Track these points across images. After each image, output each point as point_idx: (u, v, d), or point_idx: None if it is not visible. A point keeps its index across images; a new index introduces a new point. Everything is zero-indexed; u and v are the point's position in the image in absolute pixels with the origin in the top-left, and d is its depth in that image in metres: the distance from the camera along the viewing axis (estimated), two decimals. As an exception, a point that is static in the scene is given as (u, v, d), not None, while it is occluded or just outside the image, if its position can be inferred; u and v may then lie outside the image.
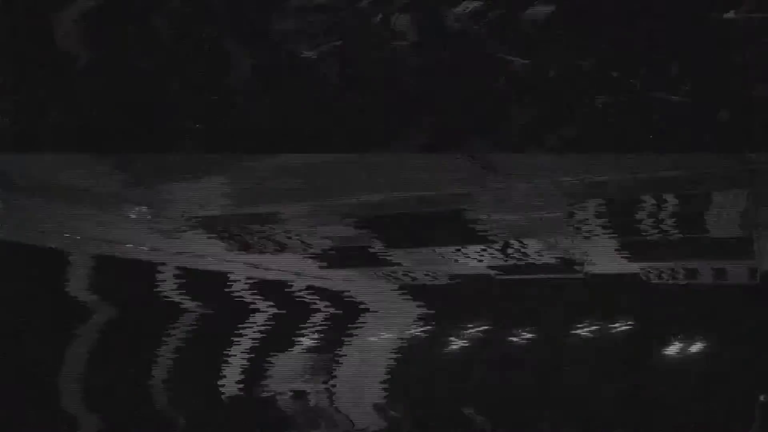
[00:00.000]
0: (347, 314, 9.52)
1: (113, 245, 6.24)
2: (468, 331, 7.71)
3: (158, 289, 6.75)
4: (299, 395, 8.14)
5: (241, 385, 7.52)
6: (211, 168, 5.42)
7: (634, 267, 6.10)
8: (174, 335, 6.90)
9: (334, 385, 8.87)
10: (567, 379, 8.01)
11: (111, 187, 5.90)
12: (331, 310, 9.19)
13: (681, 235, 4.33)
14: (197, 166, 5.48)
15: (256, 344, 7.80)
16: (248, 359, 7.69)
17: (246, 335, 7.73)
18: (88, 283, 6.02)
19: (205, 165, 5.29)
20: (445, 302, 8.50)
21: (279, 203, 5.31)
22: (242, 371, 7.57)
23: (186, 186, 6.41)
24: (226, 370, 7.43)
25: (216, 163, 5.24)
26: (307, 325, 8.36)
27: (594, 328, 7.37)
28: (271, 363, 7.92)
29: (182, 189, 6.47)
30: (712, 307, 6.96)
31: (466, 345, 7.76)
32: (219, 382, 7.36)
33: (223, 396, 7.27)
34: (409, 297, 9.22)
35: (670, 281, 6.42)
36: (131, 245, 6.40)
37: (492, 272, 6.67)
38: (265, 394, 7.61)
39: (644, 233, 4.36)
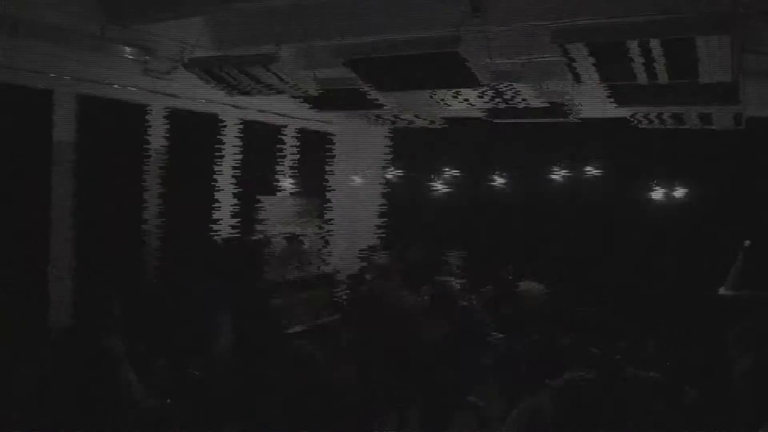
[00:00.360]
0: (335, 157, 9.82)
1: (101, 86, 6.32)
2: (450, 174, 7.99)
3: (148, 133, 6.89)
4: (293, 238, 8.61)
5: (233, 229, 7.91)
6: (199, 8, 5.42)
7: (623, 112, 6.28)
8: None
9: (329, 230, 9.38)
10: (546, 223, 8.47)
11: (96, 26, 5.91)
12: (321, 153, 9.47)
13: (670, 81, 4.43)
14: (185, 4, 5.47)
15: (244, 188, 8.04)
16: (238, 203, 8.04)
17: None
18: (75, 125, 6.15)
19: (193, 5, 5.28)
20: (434, 146, 8.78)
21: (269, 45, 5.37)
22: (233, 215, 7.92)
23: (175, 25, 6.41)
24: (217, 213, 7.77)
25: (204, 3, 5.23)
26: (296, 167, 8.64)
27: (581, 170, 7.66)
28: (263, 207, 8.28)
29: (173, 27, 6.47)
30: (697, 152, 7.27)
31: (449, 189, 8.05)
32: (211, 226, 7.71)
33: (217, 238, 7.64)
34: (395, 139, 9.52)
35: (658, 126, 6.63)
36: (120, 86, 6.49)
37: (482, 116, 6.85)
38: (258, 236, 7.98)
39: (633, 78, 4.47)
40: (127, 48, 6.20)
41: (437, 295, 6.18)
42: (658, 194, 6.01)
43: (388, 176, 8.40)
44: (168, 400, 5.30)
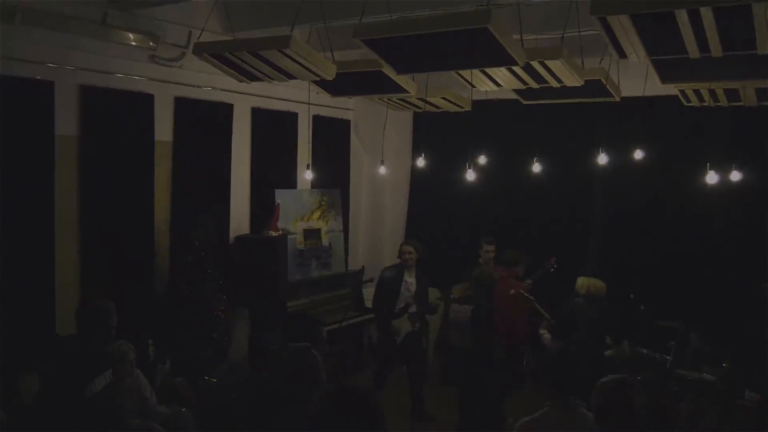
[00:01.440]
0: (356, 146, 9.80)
1: (104, 75, 6.36)
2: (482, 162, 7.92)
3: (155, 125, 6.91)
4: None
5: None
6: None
7: (670, 89, 6.17)
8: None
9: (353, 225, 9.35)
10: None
11: (98, 12, 5.95)
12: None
13: (724, 53, 4.34)
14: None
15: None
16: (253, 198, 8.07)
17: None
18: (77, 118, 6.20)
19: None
20: (463, 131, 8.70)
21: (283, 26, 5.36)
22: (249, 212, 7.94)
23: (180, 9, 6.43)
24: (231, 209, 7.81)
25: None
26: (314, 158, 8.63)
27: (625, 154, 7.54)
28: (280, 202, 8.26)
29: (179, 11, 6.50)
30: (754, 132, 7.12)
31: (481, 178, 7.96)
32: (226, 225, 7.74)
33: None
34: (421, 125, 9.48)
35: (711, 104, 6.51)
36: (126, 75, 6.53)
37: (517, 97, 6.77)
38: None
39: (684, 52, 4.38)
40: (130, 34, 6.24)
41: None
42: (711, 178, 5.88)
43: (416, 164, 8.34)
44: (183, 409, 5.37)
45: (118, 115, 6.47)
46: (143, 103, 6.69)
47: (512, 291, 6.94)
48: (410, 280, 7.22)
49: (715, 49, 4.19)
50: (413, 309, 7.17)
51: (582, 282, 6.45)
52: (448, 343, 6.88)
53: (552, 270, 7.82)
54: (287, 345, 4.64)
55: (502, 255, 7.47)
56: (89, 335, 4.34)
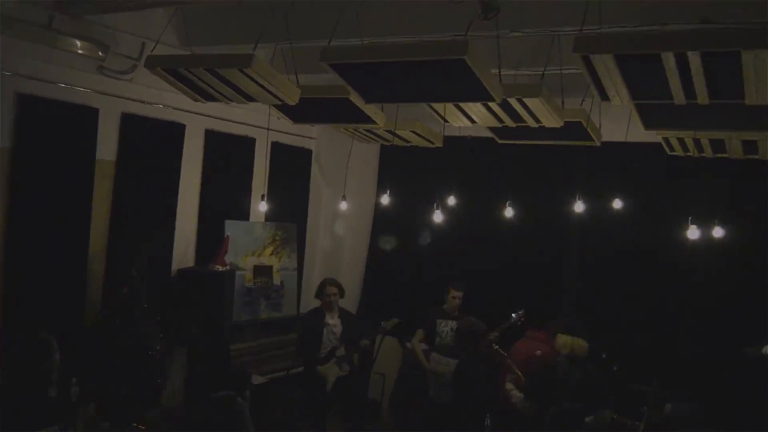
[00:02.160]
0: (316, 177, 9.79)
1: (46, 84, 6.28)
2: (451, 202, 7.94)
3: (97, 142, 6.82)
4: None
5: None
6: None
7: (653, 135, 6.29)
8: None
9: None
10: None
11: (43, 15, 5.90)
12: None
13: (710, 101, 4.44)
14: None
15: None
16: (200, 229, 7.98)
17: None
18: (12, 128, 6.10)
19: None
20: (432, 168, 8.75)
21: (245, 44, 5.36)
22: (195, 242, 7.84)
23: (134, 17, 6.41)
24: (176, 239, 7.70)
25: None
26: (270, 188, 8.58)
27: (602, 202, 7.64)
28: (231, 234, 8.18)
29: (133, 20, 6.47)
30: (739, 185, 7.28)
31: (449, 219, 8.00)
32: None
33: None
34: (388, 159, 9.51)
35: (695, 154, 6.65)
36: (69, 86, 6.46)
37: (492, 135, 6.84)
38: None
39: (669, 97, 4.47)
40: (78, 42, 6.19)
41: None
42: (693, 234, 5.97)
43: (380, 200, 8.36)
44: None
45: (57, 128, 6.37)
46: (86, 117, 6.61)
47: (538, 352, 6.89)
48: (332, 321, 7.26)
49: (702, 96, 4.28)
50: (341, 352, 7.17)
51: (565, 340, 6.39)
52: (420, 393, 6.87)
53: (519, 323, 7.84)
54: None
55: (559, 320, 7.24)
56: (26, 378, 4.05)
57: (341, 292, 7.53)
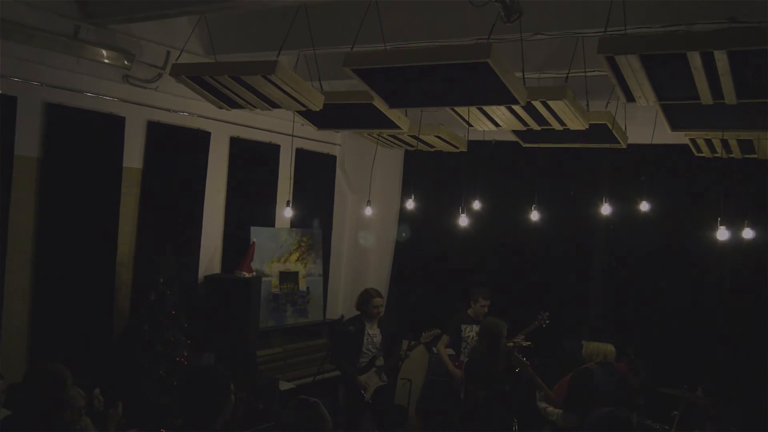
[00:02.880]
0: (341, 183, 9.81)
1: (72, 93, 6.35)
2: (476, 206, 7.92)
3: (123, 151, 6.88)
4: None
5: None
6: (187, 8, 5.46)
7: (681, 137, 6.23)
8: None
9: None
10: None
11: (69, 25, 5.97)
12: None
13: (738, 101, 4.39)
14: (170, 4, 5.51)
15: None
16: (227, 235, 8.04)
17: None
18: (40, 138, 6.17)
19: (181, 4, 5.32)
20: (457, 173, 8.73)
21: (269, 51, 5.39)
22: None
23: (159, 26, 6.48)
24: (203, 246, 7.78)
25: (194, 1, 5.26)
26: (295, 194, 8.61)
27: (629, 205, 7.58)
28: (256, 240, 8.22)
29: (158, 29, 6.54)
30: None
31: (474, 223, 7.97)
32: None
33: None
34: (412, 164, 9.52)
35: (723, 155, 6.58)
36: (96, 95, 6.53)
37: (516, 139, 6.83)
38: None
39: (695, 97, 4.43)
40: (104, 51, 6.26)
41: None
42: (722, 235, 5.89)
43: (405, 205, 8.35)
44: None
45: (84, 136, 6.44)
46: (113, 125, 6.67)
47: None
48: (372, 332, 7.20)
49: (729, 96, 4.24)
50: (380, 362, 7.14)
51: (595, 347, 6.24)
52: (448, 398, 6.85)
53: (543, 326, 7.79)
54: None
55: (585, 328, 7.18)
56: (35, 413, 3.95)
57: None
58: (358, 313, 7.34)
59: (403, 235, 9.61)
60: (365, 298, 7.30)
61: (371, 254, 10.06)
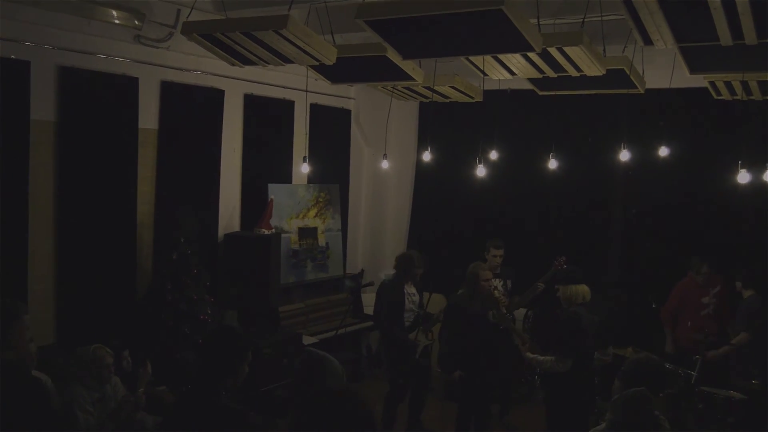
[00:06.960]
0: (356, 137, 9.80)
1: (84, 56, 6.35)
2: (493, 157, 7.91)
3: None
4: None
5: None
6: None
7: (700, 80, 6.15)
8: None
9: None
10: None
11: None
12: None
13: (759, 41, 4.33)
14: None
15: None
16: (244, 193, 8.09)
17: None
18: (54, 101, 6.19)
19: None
20: (473, 123, 8.69)
21: (279, 5, 5.34)
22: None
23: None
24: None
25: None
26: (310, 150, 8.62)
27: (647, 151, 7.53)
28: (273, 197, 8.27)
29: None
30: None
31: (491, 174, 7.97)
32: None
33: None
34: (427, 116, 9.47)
35: (743, 97, 6.49)
36: (108, 56, 6.53)
37: (532, 87, 6.77)
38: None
39: (715, 39, 4.36)
40: (114, 12, 6.23)
41: None
42: (743, 178, 5.83)
43: (422, 158, 8.33)
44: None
45: (99, 99, 6.46)
46: (127, 86, 6.68)
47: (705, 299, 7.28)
48: (411, 290, 7.20)
49: (750, 36, 4.18)
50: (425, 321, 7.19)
51: (574, 290, 6.14)
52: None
53: (561, 269, 7.80)
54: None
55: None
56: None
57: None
58: (394, 272, 7.32)
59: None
60: (406, 262, 7.19)
61: (389, 207, 10.08)
